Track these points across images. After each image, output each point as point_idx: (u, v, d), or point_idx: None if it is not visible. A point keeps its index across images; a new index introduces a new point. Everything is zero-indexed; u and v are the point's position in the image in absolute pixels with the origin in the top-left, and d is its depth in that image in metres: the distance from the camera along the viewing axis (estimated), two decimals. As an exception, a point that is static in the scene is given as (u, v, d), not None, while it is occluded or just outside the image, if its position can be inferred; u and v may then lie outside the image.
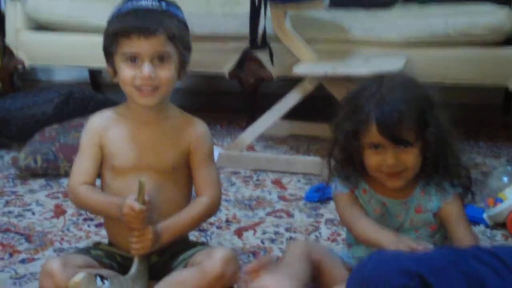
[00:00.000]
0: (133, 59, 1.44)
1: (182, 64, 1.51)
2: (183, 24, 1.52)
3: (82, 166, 1.53)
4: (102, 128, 1.53)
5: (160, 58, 1.45)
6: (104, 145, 1.52)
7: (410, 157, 1.37)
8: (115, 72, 1.50)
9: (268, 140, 2.81)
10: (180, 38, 1.48)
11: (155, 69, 1.44)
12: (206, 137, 1.57)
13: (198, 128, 1.56)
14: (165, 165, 1.52)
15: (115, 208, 1.45)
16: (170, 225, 1.48)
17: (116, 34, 1.45)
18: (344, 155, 1.44)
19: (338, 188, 1.49)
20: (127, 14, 1.46)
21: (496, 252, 1.22)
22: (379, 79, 1.42)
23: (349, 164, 1.45)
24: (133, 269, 1.46)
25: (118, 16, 1.48)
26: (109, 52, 1.49)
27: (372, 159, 1.39)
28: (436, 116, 1.38)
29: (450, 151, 1.41)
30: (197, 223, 1.57)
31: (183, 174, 1.55)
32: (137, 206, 1.40)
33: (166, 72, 1.46)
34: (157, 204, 1.48)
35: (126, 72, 1.45)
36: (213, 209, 1.56)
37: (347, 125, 1.40)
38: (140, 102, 1.48)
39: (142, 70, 1.43)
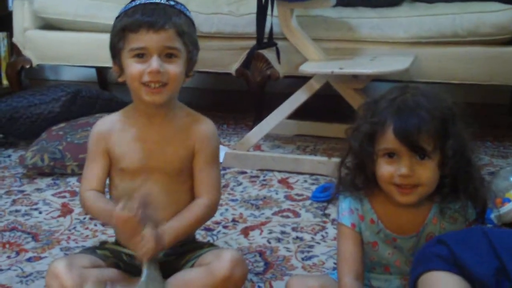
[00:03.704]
0: (141, 55, 1.41)
1: (190, 62, 1.49)
2: (191, 22, 1.50)
3: (90, 173, 1.51)
4: (107, 132, 1.51)
5: (169, 55, 1.42)
6: (110, 149, 1.50)
7: (426, 172, 1.25)
8: (121, 71, 1.47)
9: (275, 139, 2.81)
10: (189, 35, 1.46)
11: (163, 64, 1.41)
12: (212, 137, 1.53)
13: (205, 127, 1.53)
14: (173, 166, 1.49)
15: (110, 218, 1.41)
16: (172, 227, 1.45)
17: (124, 29, 1.42)
18: (357, 162, 1.33)
19: (341, 217, 1.37)
20: (135, 10, 1.44)
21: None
22: (402, 87, 1.33)
23: (360, 174, 1.33)
24: (144, 275, 1.41)
25: (126, 13, 1.45)
26: (116, 50, 1.46)
27: (384, 169, 1.27)
28: (459, 131, 1.27)
29: (473, 172, 1.30)
30: (197, 225, 1.55)
31: (191, 175, 1.52)
32: (125, 213, 1.35)
33: (175, 68, 1.42)
34: (165, 206, 1.48)
35: (134, 68, 1.42)
36: (211, 211, 1.53)
37: (363, 128, 1.30)
38: (147, 99, 1.43)
39: (150, 64, 1.40)
